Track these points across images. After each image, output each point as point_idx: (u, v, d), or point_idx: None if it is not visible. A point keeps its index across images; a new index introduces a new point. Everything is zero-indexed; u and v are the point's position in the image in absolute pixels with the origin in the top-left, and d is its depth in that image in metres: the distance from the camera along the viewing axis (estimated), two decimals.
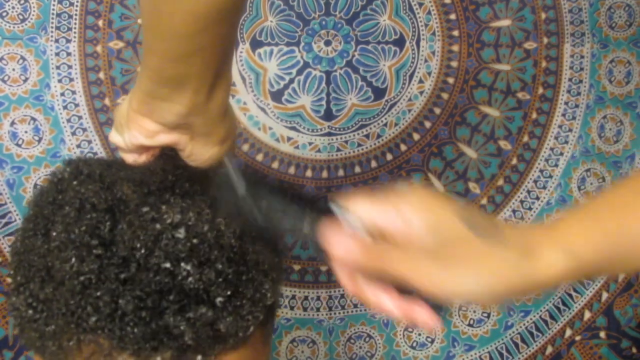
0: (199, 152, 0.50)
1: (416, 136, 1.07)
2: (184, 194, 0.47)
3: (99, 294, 0.41)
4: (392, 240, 0.41)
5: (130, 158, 0.51)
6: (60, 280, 0.42)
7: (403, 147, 1.07)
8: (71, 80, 1.00)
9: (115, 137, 0.51)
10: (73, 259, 0.42)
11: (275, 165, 1.04)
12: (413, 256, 0.40)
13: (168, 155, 0.51)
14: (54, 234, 0.43)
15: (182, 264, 0.41)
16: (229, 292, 0.42)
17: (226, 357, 0.43)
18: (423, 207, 0.41)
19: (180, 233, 0.41)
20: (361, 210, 0.41)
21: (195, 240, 0.42)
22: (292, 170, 1.05)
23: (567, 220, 0.43)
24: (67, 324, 0.42)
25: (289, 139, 1.05)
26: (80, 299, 0.41)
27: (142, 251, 0.41)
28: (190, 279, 0.41)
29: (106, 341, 0.41)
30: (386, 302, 0.41)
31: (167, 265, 0.41)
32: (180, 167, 0.50)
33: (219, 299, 0.42)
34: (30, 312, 0.44)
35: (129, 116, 0.48)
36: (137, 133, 0.48)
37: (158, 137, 0.48)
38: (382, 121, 1.06)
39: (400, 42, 1.06)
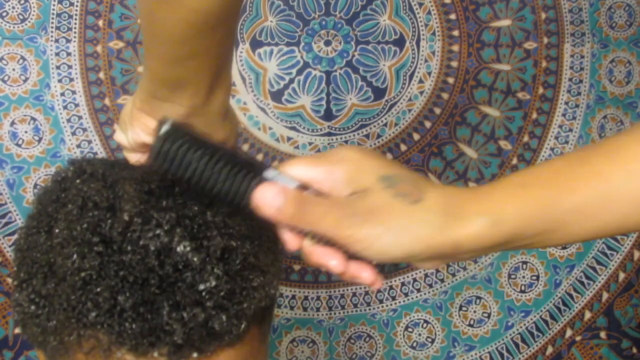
0: None
1: (416, 136, 1.07)
2: (182, 193, 0.47)
3: (98, 290, 0.41)
4: (319, 193, 0.42)
5: (133, 158, 0.52)
6: (62, 276, 0.43)
7: (403, 147, 1.07)
8: (71, 80, 1.00)
9: (119, 136, 0.53)
10: (75, 256, 0.42)
11: (275, 165, 1.04)
12: (336, 211, 0.41)
13: None
14: (57, 231, 0.44)
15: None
16: (222, 294, 0.43)
17: (222, 354, 0.44)
18: (346, 160, 0.42)
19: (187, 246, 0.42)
20: (295, 170, 0.43)
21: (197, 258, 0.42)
22: None
23: (498, 186, 0.43)
24: (68, 319, 0.42)
25: (289, 139, 1.05)
26: (80, 294, 0.42)
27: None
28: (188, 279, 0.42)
29: (105, 336, 0.42)
30: (328, 259, 0.42)
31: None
32: None
33: (209, 302, 0.43)
34: (33, 307, 0.44)
35: (132, 114, 0.50)
36: (140, 131, 0.49)
37: None
38: (382, 121, 1.06)
39: (400, 42, 1.06)
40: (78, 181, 0.46)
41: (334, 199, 0.42)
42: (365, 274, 0.43)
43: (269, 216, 0.41)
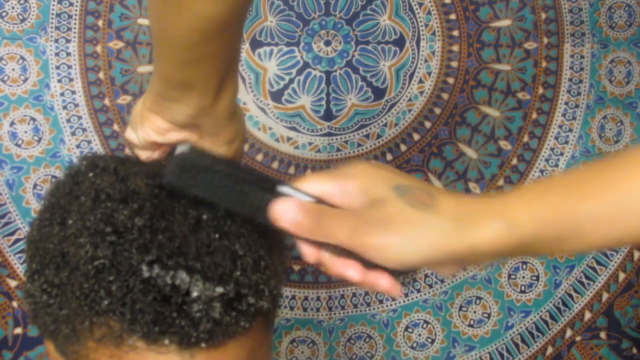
0: None
1: (416, 136, 1.07)
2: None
3: (111, 278, 0.42)
4: (334, 206, 0.44)
5: (144, 155, 0.53)
6: (75, 265, 0.44)
7: (403, 147, 1.07)
8: (71, 80, 1.00)
9: (130, 134, 0.54)
10: (88, 245, 0.43)
11: (275, 165, 1.04)
12: (351, 221, 0.42)
13: None
14: (70, 222, 0.45)
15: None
16: (233, 294, 0.44)
17: (230, 344, 0.45)
18: (359, 174, 0.44)
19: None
20: (309, 186, 0.44)
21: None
22: (292, 170, 1.05)
23: (511, 194, 0.43)
24: (81, 307, 0.43)
25: (288, 139, 1.04)
26: (93, 282, 0.43)
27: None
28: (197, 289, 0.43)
29: (117, 324, 0.43)
30: (346, 268, 0.43)
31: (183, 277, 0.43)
32: None
33: (221, 299, 0.44)
34: (45, 297, 0.45)
35: (142, 114, 0.51)
36: (149, 130, 0.50)
37: (169, 134, 0.50)
38: (382, 121, 1.06)
39: (400, 42, 1.06)
40: (91, 174, 0.48)
41: (349, 210, 0.43)
42: (383, 281, 0.44)
43: (286, 229, 0.43)
